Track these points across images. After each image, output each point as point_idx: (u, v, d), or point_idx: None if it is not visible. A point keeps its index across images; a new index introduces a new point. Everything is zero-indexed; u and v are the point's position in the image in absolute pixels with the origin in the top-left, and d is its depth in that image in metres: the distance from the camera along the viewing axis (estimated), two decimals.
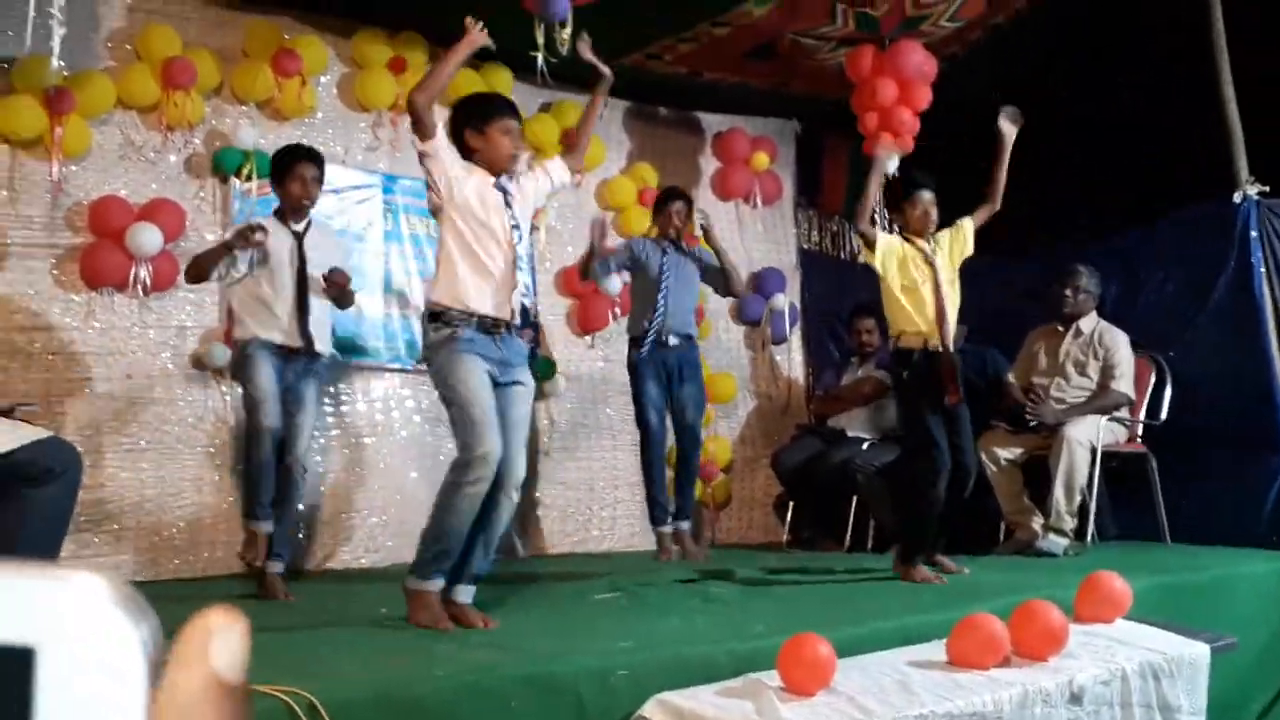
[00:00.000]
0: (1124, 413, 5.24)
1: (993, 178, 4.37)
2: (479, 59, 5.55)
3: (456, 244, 3.33)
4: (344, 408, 5.36)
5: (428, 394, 5.56)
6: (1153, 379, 5.38)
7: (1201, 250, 5.42)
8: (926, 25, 5.61)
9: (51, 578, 0.37)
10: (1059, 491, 4.89)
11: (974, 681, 2.57)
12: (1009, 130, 4.34)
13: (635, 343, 5.19)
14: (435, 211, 3.44)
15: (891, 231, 4.59)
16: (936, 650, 2.78)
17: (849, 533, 5.70)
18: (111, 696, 0.36)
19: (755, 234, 6.90)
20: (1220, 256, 5.32)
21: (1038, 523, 5.00)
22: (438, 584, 3.26)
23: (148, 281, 4.79)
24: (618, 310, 6.06)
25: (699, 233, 5.32)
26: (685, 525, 5.24)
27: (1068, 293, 5.32)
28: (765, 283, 6.79)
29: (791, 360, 6.96)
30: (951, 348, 4.22)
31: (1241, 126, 5.25)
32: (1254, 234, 5.23)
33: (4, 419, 3.65)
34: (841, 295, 6.82)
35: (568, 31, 4.59)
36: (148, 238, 4.72)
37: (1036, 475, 5.12)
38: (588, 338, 6.21)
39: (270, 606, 3.91)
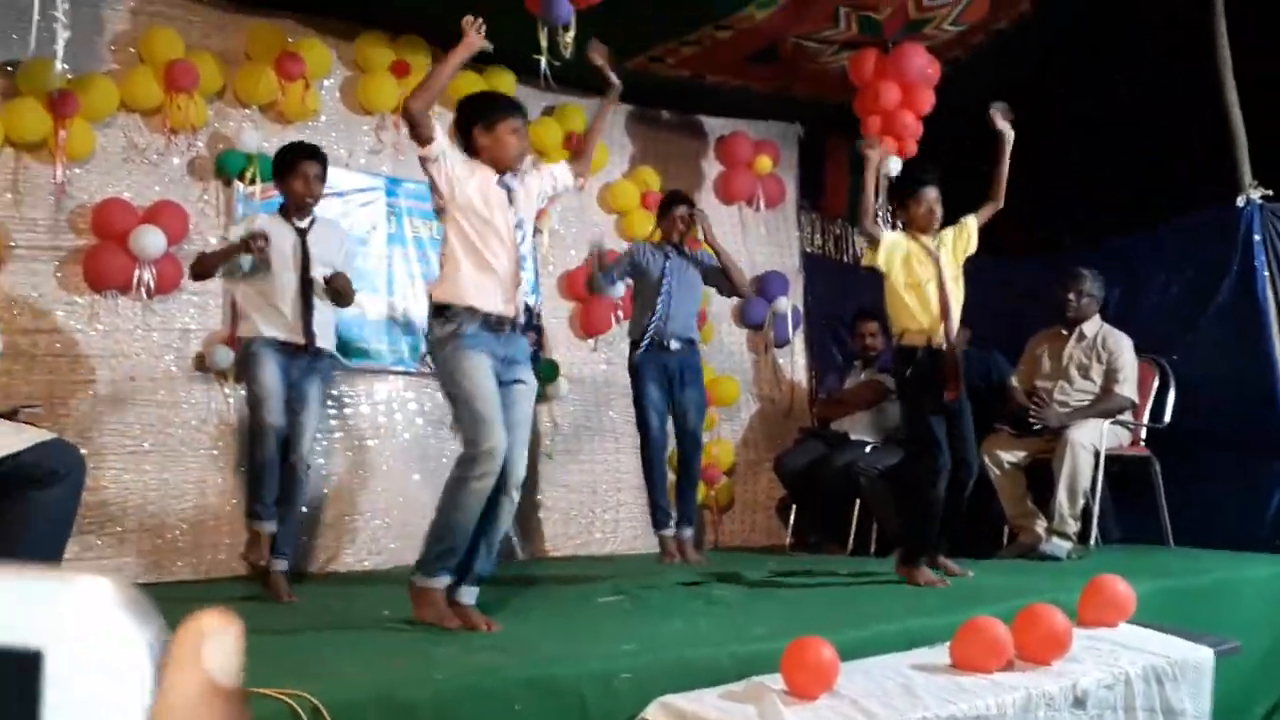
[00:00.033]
0: (1127, 416, 5.23)
1: (995, 176, 4.37)
2: (482, 62, 5.56)
3: (460, 242, 3.34)
4: (347, 410, 5.36)
5: (430, 396, 5.57)
6: (1156, 382, 5.38)
7: (1205, 254, 5.42)
8: (929, 29, 5.61)
9: (58, 580, 0.37)
10: (1062, 495, 4.88)
11: (977, 685, 2.56)
12: (1006, 128, 4.35)
13: (635, 345, 5.20)
14: (439, 212, 3.44)
15: (896, 228, 4.59)
16: (940, 654, 2.78)
17: (852, 536, 5.69)
18: (118, 698, 0.36)
19: (758, 237, 6.90)
20: (1223, 260, 5.32)
21: (1041, 526, 5.00)
22: (443, 581, 3.26)
23: (151, 284, 4.79)
24: (620, 313, 6.07)
25: (701, 236, 5.32)
26: (688, 532, 5.24)
27: (1071, 296, 5.32)
28: (768, 286, 6.78)
29: (794, 363, 6.96)
30: (955, 345, 4.22)
31: (1245, 130, 5.24)
32: (1257, 238, 5.23)
33: (8, 421, 3.65)
34: (844, 298, 6.81)
35: (571, 35, 4.60)
36: (151, 240, 4.72)
37: (1040, 479, 5.12)
38: (590, 341, 6.21)
39: (274, 609, 3.91)
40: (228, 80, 5.16)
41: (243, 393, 4.70)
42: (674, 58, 5.83)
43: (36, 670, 0.36)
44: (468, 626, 3.20)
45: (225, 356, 4.85)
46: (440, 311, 3.33)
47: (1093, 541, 5.04)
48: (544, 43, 4.61)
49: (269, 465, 4.06)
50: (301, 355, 4.17)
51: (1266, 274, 5.20)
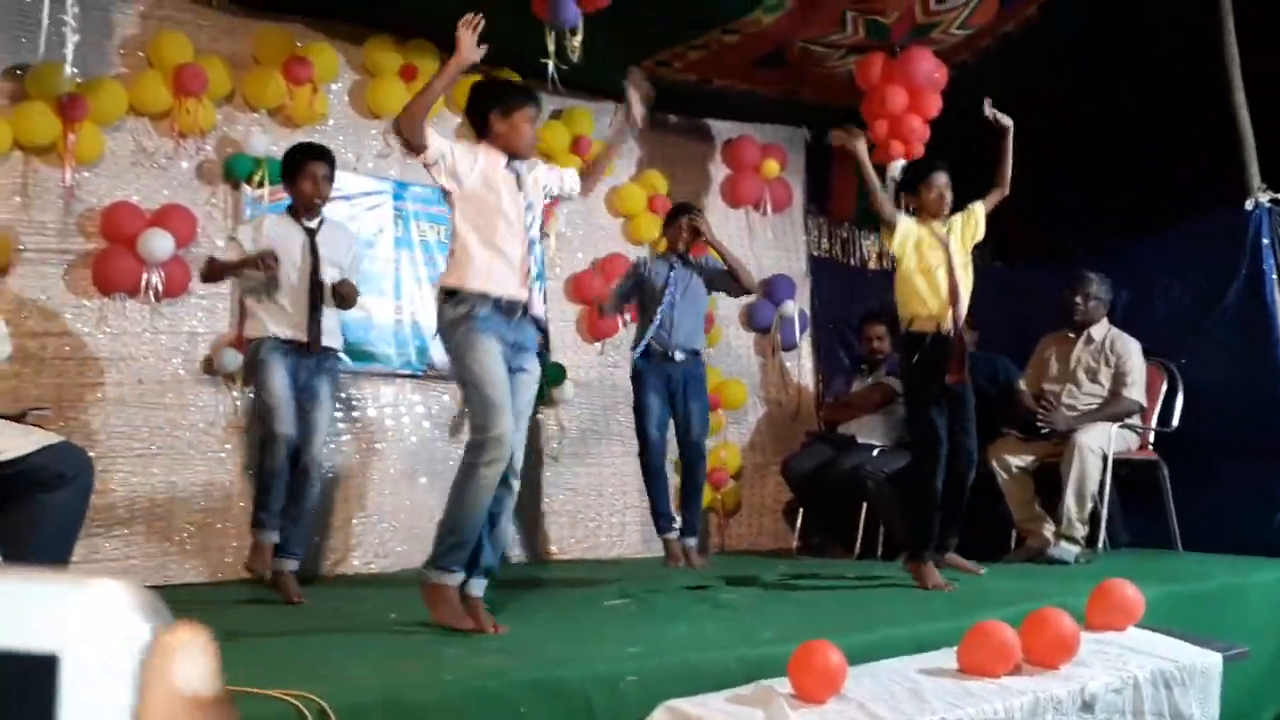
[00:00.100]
0: (1135, 420, 5.22)
1: (1000, 163, 4.41)
2: (489, 64, 5.58)
3: (470, 228, 3.34)
4: (354, 413, 5.37)
5: (437, 400, 5.58)
6: (1164, 386, 5.37)
7: (1213, 257, 5.41)
8: (937, 33, 5.61)
9: (73, 584, 0.37)
10: (1070, 499, 4.87)
11: (985, 689, 2.55)
12: (1004, 118, 4.38)
13: (635, 350, 5.22)
14: (447, 195, 3.43)
15: (908, 213, 4.59)
16: (947, 658, 2.77)
17: (859, 539, 5.68)
18: (133, 701, 0.36)
19: (765, 241, 6.90)
20: (1232, 264, 5.31)
21: (1049, 530, 4.99)
22: (457, 577, 3.25)
23: (159, 287, 4.81)
24: (628, 318, 6.07)
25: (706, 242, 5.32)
26: (692, 541, 5.23)
27: (1078, 300, 5.31)
28: (775, 289, 6.78)
29: (801, 367, 6.95)
30: (963, 330, 4.23)
31: (1253, 133, 5.24)
32: (1266, 241, 5.23)
33: (16, 424, 3.66)
34: (851, 302, 6.82)
35: (578, 39, 4.60)
36: (159, 243, 4.73)
37: (1048, 482, 5.11)
38: (598, 344, 6.21)
39: (281, 610, 3.92)
40: (236, 84, 5.18)
41: (251, 395, 4.71)
42: (681, 62, 5.84)
43: (52, 673, 0.36)
44: (476, 627, 3.20)
45: (233, 359, 4.86)
46: (451, 295, 3.32)
47: (1100, 545, 5.03)
48: (551, 46, 4.62)
49: (278, 474, 4.06)
50: (309, 354, 4.18)
51: (1275, 278, 5.20)
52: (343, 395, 5.21)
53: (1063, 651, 2.77)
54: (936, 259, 4.26)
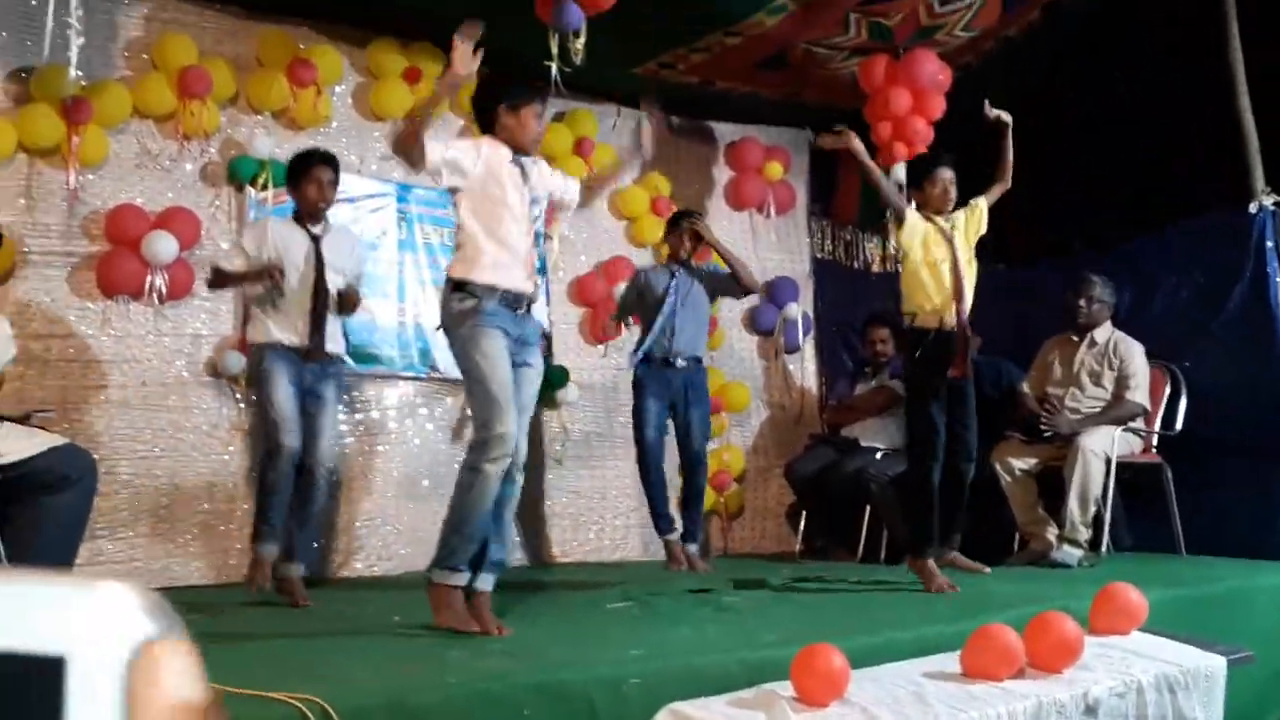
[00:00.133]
0: (1139, 423, 5.21)
1: (1001, 158, 4.45)
2: (492, 67, 5.57)
3: (476, 221, 3.33)
4: (358, 416, 5.37)
5: (441, 402, 5.59)
6: (1167, 389, 5.36)
7: (1216, 260, 5.40)
8: (940, 35, 5.60)
9: (80, 587, 0.37)
10: (1073, 502, 4.87)
11: (988, 693, 2.55)
12: (1003, 114, 4.42)
13: (635, 356, 5.23)
14: (455, 192, 3.43)
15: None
16: (950, 661, 2.77)
17: (862, 543, 5.68)
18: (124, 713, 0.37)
19: (768, 243, 6.90)
20: (1235, 266, 5.31)
21: (1052, 533, 4.98)
22: (463, 576, 3.25)
23: (163, 289, 4.81)
24: (631, 319, 6.06)
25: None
26: (694, 547, 5.23)
27: (1081, 302, 5.30)
28: (778, 292, 6.78)
29: (805, 370, 6.95)
30: (967, 324, 4.24)
31: (1259, 137, 5.23)
32: (1270, 244, 5.22)
33: (20, 426, 3.67)
34: (855, 305, 6.81)
35: (581, 41, 4.61)
36: (163, 246, 4.74)
37: (1051, 486, 5.10)
38: (600, 347, 6.21)
39: (285, 613, 3.92)
40: (240, 86, 5.18)
41: (254, 398, 4.70)
42: (684, 64, 5.83)
43: (59, 675, 0.36)
44: (482, 628, 3.21)
45: (236, 361, 4.86)
46: (459, 287, 3.32)
47: (1104, 549, 5.01)
48: (554, 49, 4.62)
49: (280, 487, 4.04)
50: (313, 361, 4.17)
51: (1279, 280, 5.18)
52: (346, 397, 5.21)
53: (1066, 655, 2.76)
54: (941, 253, 4.28)
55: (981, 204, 4.43)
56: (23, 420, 3.78)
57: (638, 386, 5.21)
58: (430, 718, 2.31)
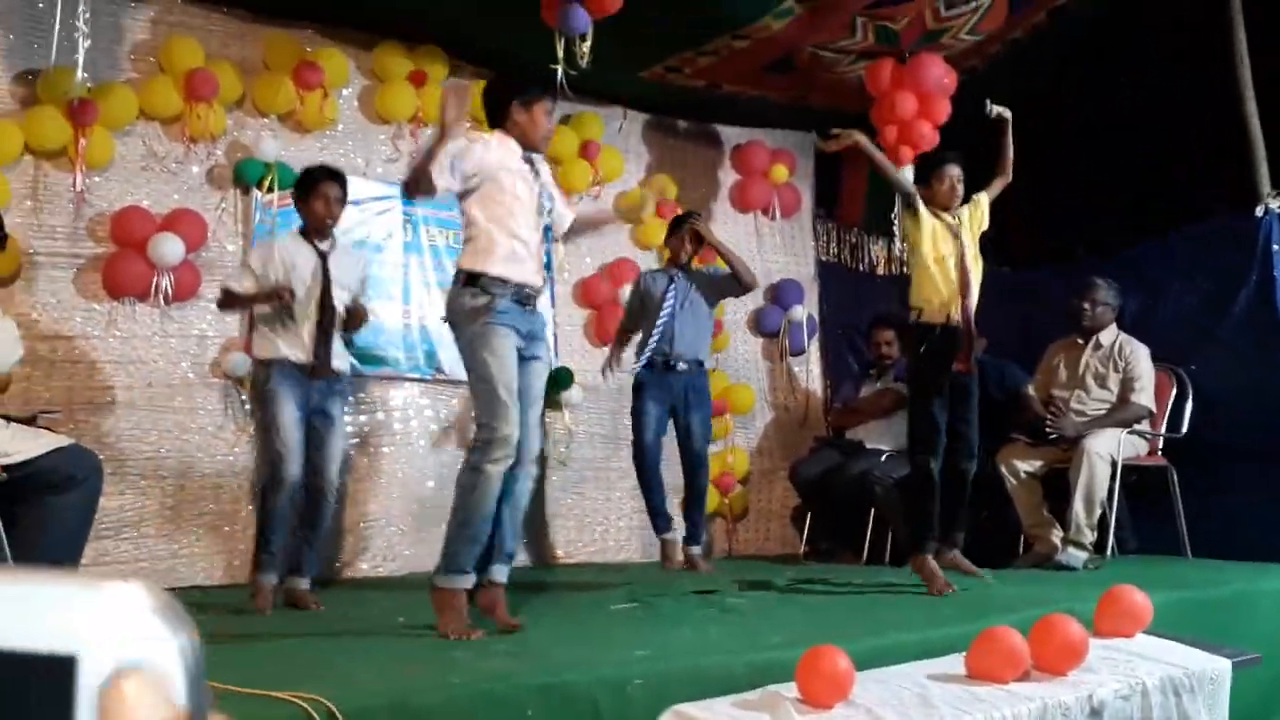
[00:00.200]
0: (1144, 425, 5.21)
1: (1001, 154, 4.48)
2: (496, 68, 5.59)
3: (488, 215, 3.32)
4: (363, 417, 5.38)
5: (446, 403, 5.59)
6: (1173, 392, 5.35)
7: (1222, 263, 5.40)
8: (946, 38, 5.60)
9: (90, 586, 0.38)
10: (1079, 504, 4.86)
11: (993, 695, 2.55)
12: (1004, 110, 4.44)
13: (638, 361, 5.23)
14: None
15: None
16: (955, 663, 2.76)
17: (866, 545, 5.68)
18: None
19: (773, 246, 6.90)
20: (1241, 270, 5.30)
21: (1057, 536, 4.98)
22: (469, 580, 3.25)
23: (169, 291, 4.83)
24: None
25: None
26: (696, 549, 5.22)
27: (1086, 306, 5.30)
28: (783, 294, 6.78)
29: (809, 372, 6.95)
30: (972, 320, 4.24)
31: (1265, 141, 5.23)
32: (1276, 247, 5.21)
33: (26, 427, 3.69)
34: (860, 307, 6.81)
35: (587, 44, 4.62)
36: (169, 248, 4.75)
37: (1056, 488, 5.09)
38: (605, 348, 6.21)
39: (288, 614, 3.92)
40: (247, 89, 5.19)
41: (258, 415, 4.67)
42: (691, 67, 5.84)
43: (70, 675, 0.36)
44: (495, 616, 3.25)
45: (242, 363, 4.87)
46: (472, 281, 3.31)
47: (1109, 552, 5.01)
48: (560, 52, 4.63)
49: (281, 516, 4.01)
50: (319, 379, 4.13)
51: None
52: (351, 399, 5.22)
53: (1071, 658, 2.76)
54: (948, 249, 4.29)
55: (983, 199, 4.45)
56: (29, 421, 3.80)
57: (638, 389, 5.21)
58: (434, 718, 2.32)
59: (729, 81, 6.03)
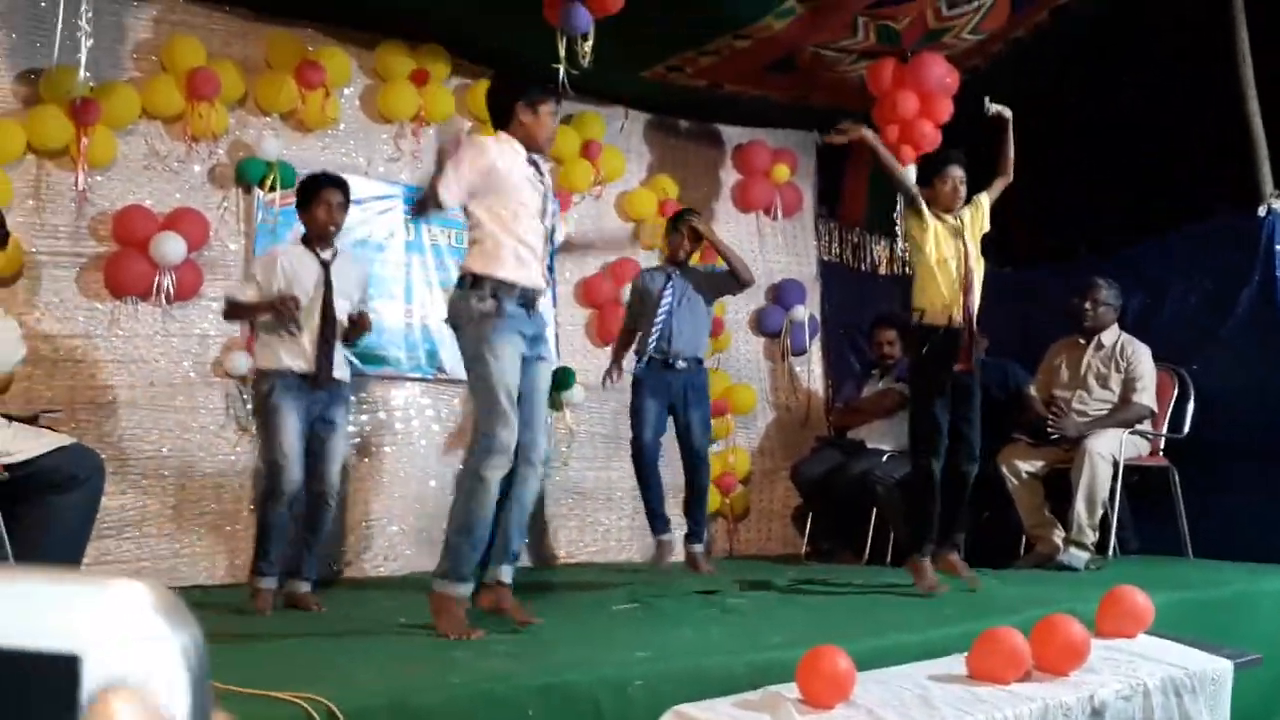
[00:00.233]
0: (1146, 426, 5.20)
1: (1002, 153, 4.46)
2: (499, 69, 5.59)
3: (494, 218, 3.33)
4: (364, 417, 5.38)
5: (447, 403, 5.59)
6: (1175, 392, 5.35)
7: (1224, 263, 5.39)
8: (948, 38, 5.60)
9: (95, 585, 0.38)
10: (1080, 505, 4.86)
11: (995, 696, 2.55)
12: (1003, 109, 4.43)
13: (638, 361, 5.22)
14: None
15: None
16: (957, 664, 2.76)
17: (868, 545, 5.68)
18: (154, 701, 0.37)
19: (775, 245, 6.90)
20: (1243, 269, 5.30)
21: (1059, 536, 4.97)
22: (468, 586, 3.26)
23: (171, 290, 4.83)
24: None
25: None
26: (698, 547, 5.22)
27: (1087, 306, 5.30)
28: (785, 294, 6.78)
29: (811, 372, 6.94)
30: (974, 320, 4.24)
31: (1267, 140, 5.22)
32: (1278, 247, 5.20)
33: (28, 426, 3.69)
34: (862, 307, 6.81)
35: (589, 44, 4.62)
36: (171, 247, 4.75)
37: (1058, 488, 5.09)
38: (607, 348, 6.21)
39: (290, 614, 3.93)
40: (249, 88, 5.19)
41: (258, 425, 4.66)
42: (692, 67, 5.84)
43: (74, 673, 0.36)
44: (509, 612, 3.28)
45: (244, 362, 4.87)
46: (478, 284, 3.31)
47: (1111, 552, 5.01)
48: (562, 52, 4.63)
49: (279, 525, 4.00)
50: (320, 388, 4.11)
51: None
52: (352, 399, 5.22)
53: (1072, 658, 2.76)
54: (950, 250, 4.29)
55: (984, 200, 4.43)
56: (31, 420, 3.80)
57: (637, 386, 5.20)
58: (434, 718, 2.32)
59: (730, 81, 6.03)
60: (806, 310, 6.80)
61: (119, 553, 4.65)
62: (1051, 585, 4.31)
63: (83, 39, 4.18)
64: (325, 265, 4.16)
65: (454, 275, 5.43)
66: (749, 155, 6.75)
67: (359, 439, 5.33)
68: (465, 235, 3.63)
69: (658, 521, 5.17)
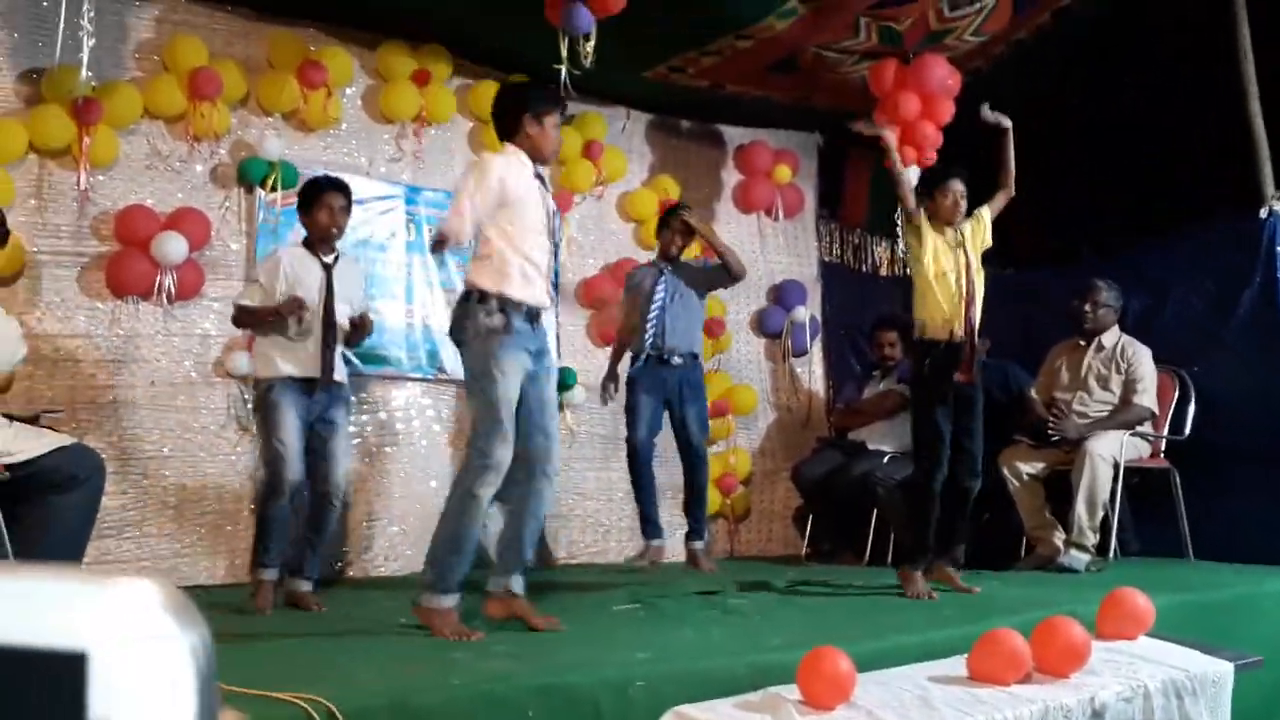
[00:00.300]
0: (1147, 427, 5.20)
1: (1003, 166, 4.42)
2: (502, 69, 5.60)
3: (503, 235, 3.32)
4: (364, 417, 5.38)
5: (448, 404, 5.59)
6: (1176, 394, 5.34)
7: (1226, 265, 5.39)
8: (950, 39, 5.60)
9: (101, 583, 0.38)
10: (1081, 507, 4.85)
11: (995, 697, 2.55)
12: (1003, 118, 4.40)
13: (634, 359, 5.21)
14: None
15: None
16: (957, 665, 2.76)
17: (868, 546, 5.67)
18: (162, 698, 0.37)
19: (776, 246, 6.90)
20: (1244, 271, 5.30)
21: (1059, 538, 4.97)
22: (454, 599, 3.26)
23: (172, 290, 4.83)
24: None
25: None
26: (699, 545, 5.21)
27: (1087, 308, 5.29)
28: (786, 295, 6.78)
29: (812, 373, 6.94)
30: (975, 333, 4.23)
31: (1268, 141, 5.22)
32: (1279, 249, 5.21)
33: (29, 426, 3.69)
34: (862, 308, 6.81)
35: (591, 44, 4.62)
36: (173, 247, 4.75)
37: (1058, 490, 5.09)
38: (607, 349, 6.20)
39: (291, 614, 3.92)
40: (251, 88, 5.19)
41: (257, 423, 4.66)
42: (694, 67, 5.83)
43: (81, 671, 0.36)
44: (525, 619, 3.31)
45: (245, 362, 4.87)
46: (484, 300, 3.30)
47: (1111, 554, 5.01)
48: (564, 52, 4.63)
49: (279, 520, 4.00)
50: (322, 390, 4.10)
51: None
52: (352, 399, 5.22)
53: (1073, 660, 2.76)
54: (950, 264, 4.27)
55: (986, 215, 4.40)
56: (32, 420, 3.80)
57: (632, 384, 5.18)
58: (434, 718, 2.32)
59: (732, 82, 6.02)
60: (807, 311, 6.80)
61: (119, 552, 4.65)
62: (1052, 587, 4.30)
63: (85, 38, 4.18)
64: (327, 269, 4.15)
65: (455, 276, 5.48)
66: (750, 156, 6.74)
67: (360, 439, 5.32)
68: (472, 250, 3.60)
69: (649, 526, 5.15)
